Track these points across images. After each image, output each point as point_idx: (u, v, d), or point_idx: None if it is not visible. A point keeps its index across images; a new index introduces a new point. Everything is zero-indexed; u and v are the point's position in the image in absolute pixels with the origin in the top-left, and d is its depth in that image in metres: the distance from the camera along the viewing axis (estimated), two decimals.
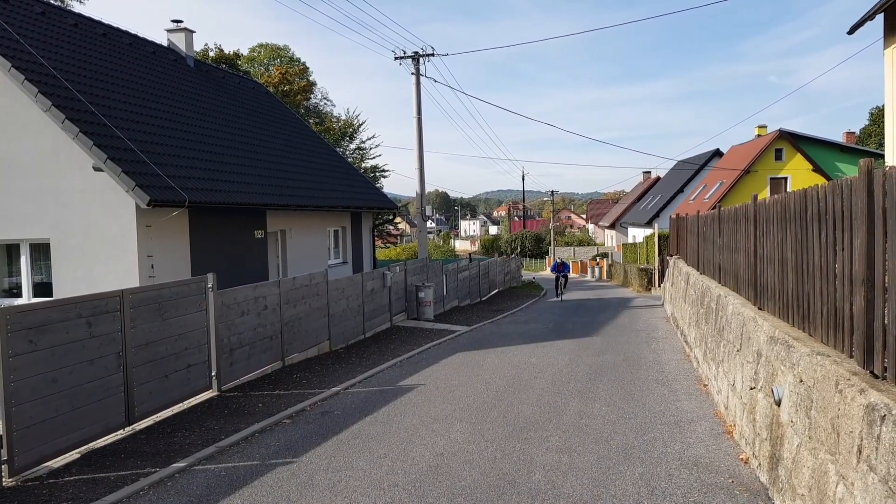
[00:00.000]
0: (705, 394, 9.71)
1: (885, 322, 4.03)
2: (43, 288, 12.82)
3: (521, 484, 6.48)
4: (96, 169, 11.80)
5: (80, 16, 17.69)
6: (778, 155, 38.43)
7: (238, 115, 20.86)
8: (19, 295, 12.93)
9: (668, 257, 23.62)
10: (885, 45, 12.71)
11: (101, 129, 12.41)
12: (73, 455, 7.83)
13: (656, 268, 30.57)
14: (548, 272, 49.52)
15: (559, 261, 30.69)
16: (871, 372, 4.26)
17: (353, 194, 22.95)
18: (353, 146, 48.35)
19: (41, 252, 12.84)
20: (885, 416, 3.59)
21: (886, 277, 4.03)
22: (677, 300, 17.07)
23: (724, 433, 7.77)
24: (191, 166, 14.47)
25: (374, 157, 49.93)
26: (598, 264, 51.44)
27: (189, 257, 13.51)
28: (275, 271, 17.52)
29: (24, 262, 12.91)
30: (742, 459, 6.82)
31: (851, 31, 13.21)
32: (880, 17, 12.55)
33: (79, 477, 7.19)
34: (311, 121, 44.20)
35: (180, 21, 21.54)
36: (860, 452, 3.88)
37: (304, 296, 13.89)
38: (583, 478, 6.57)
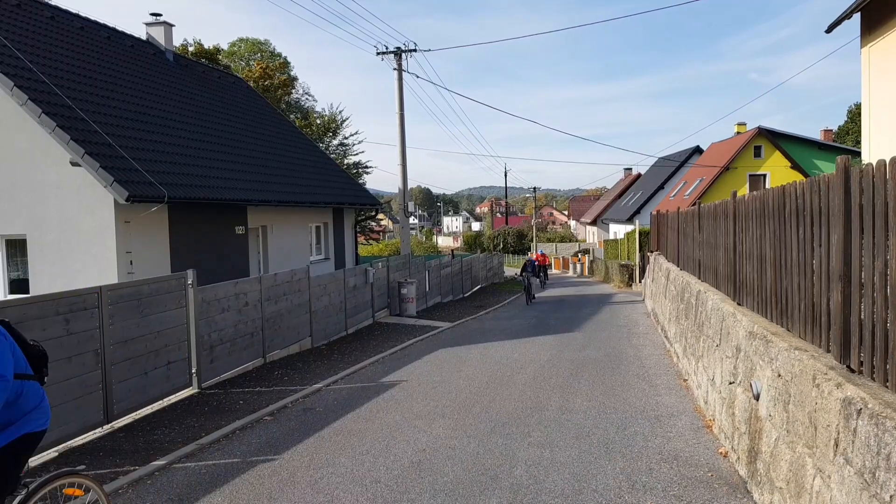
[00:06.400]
0: (685, 389, 9.80)
1: (862, 317, 4.08)
2: (19, 284, 12.63)
3: (503, 479, 6.50)
4: (74, 164, 11.64)
5: (56, 8, 17.41)
6: (757, 152, 38.86)
7: (218, 110, 20.67)
8: None
9: (648, 253, 23.79)
10: (862, 44, 12.88)
11: (79, 123, 12.24)
12: (51, 454, 7.72)
13: (637, 264, 30.79)
14: None
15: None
16: (848, 366, 4.32)
17: (336, 190, 22.84)
18: (335, 142, 48.15)
19: (17, 248, 12.65)
20: (860, 409, 3.65)
21: (862, 273, 4.09)
22: (658, 296, 17.20)
23: (703, 427, 7.84)
24: (170, 161, 14.32)
25: (356, 154, 49.84)
26: (579, 260, 51.72)
27: (169, 253, 13.38)
28: (256, 267, 17.41)
29: (0, 258, 12.71)
30: (721, 453, 6.89)
31: (829, 30, 13.37)
32: (857, 17, 12.71)
33: None
34: (292, 116, 43.93)
35: (159, 14, 21.26)
36: (837, 446, 3.94)
37: (286, 292, 13.82)
38: (564, 472, 6.60)
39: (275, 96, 42.24)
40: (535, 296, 26.97)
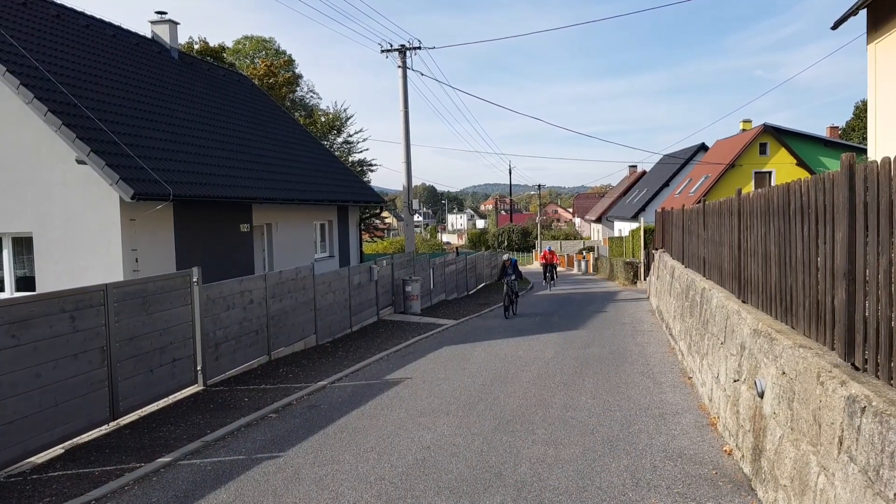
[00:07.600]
0: (689, 386, 9.79)
1: (866, 315, 4.08)
2: (25, 282, 12.68)
3: (508, 476, 6.51)
4: (79, 162, 11.67)
5: (62, 7, 17.46)
6: (762, 149, 38.71)
7: (223, 107, 20.70)
8: (1, 289, 12.79)
9: (653, 251, 23.76)
10: (869, 41, 12.82)
11: (85, 121, 12.27)
12: (57, 450, 7.77)
13: (642, 261, 30.73)
14: (535, 266, 46.55)
15: None
16: (852, 364, 4.31)
17: (340, 188, 22.87)
18: (340, 140, 48.11)
19: (23, 245, 12.70)
20: (865, 407, 3.64)
21: (867, 271, 4.08)
22: (662, 293, 17.18)
23: (708, 425, 7.84)
24: (176, 159, 14.36)
25: (361, 151, 49.93)
26: (584, 258, 51.65)
27: (174, 251, 13.42)
28: (261, 265, 17.44)
29: (6, 255, 12.77)
30: (725, 451, 6.89)
31: (835, 27, 13.30)
32: (864, 13, 12.65)
33: (63, 472, 7.14)
34: (297, 114, 43.94)
35: (164, 12, 21.26)
36: (841, 443, 3.93)
37: (291, 290, 13.84)
38: (568, 470, 6.61)
39: (279, 94, 42.25)
40: (517, 308, 20.96)
